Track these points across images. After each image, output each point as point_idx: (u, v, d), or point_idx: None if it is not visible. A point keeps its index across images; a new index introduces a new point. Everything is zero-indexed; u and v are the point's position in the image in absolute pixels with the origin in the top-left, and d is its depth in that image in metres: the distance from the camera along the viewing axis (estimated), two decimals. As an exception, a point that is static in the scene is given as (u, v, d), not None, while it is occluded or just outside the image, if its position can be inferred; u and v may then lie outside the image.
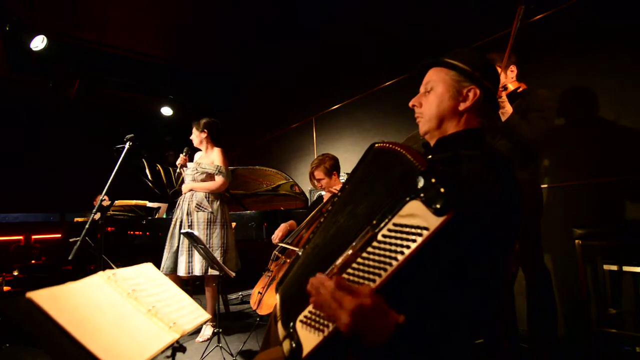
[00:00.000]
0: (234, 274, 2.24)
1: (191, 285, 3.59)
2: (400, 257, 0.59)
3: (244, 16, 4.16)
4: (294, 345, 0.73)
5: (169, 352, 1.23)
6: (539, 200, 1.92)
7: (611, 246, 2.00)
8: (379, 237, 0.64)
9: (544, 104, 1.85)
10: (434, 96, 0.94)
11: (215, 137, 2.96)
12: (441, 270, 0.67)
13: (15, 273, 4.49)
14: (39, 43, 3.82)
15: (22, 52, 3.93)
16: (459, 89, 0.92)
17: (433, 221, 0.56)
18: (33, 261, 5.45)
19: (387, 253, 0.61)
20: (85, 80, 4.69)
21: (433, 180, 0.59)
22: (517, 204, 0.78)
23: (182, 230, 2.52)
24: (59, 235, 6.37)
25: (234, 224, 3.44)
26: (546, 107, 1.84)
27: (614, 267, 2.00)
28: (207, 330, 2.72)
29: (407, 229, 0.59)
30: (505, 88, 1.89)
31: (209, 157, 2.90)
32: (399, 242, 0.60)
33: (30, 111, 6.13)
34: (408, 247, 0.58)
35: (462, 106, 0.92)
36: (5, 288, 3.85)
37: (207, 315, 1.31)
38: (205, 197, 2.78)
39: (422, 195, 0.59)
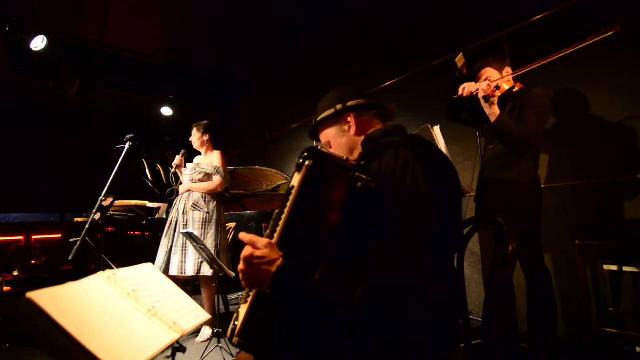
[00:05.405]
0: (233, 274, 2.24)
1: (191, 286, 3.59)
2: (285, 211, 0.79)
3: (244, 16, 4.16)
4: (235, 323, 0.87)
5: (169, 352, 1.23)
6: (536, 199, 1.91)
7: (611, 246, 1.99)
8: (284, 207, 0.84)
9: (538, 101, 1.83)
10: (334, 148, 1.14)
11: (215, 139, 2.97)
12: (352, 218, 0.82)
13: (15, 273, 4.49)
14: (39, 43, 3.81)
15: (22, 52, 3.92)
16: (340, 125, 1.11)
17: (297, 177, 0.80)
18: (33, 261, 5.44)
19: (282, 214, 0.82)
20: (85, 80, 4.69)
21: (304, 155, 0.83)
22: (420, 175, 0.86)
23: (182, 230, 2.51)
24: (59, 235, 6.37)
25: (233, 224, 3.43)
26: (539, 104, 1.83)
27: (614, 267, 2.00)
28: (207, 331, 2.72)
29: (290, 193, 0.80)
30: (498, 88, 1.87)
31: (209, 159, 2.90)
32: (287, 203, 0.80)
33: (30, 111, 6.12)
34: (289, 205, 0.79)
35: (352, 131, 1.10)
36: (5, 288, 3.84)
37: (207, 316, 1.31)
38: (202, 197, 2.78)
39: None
